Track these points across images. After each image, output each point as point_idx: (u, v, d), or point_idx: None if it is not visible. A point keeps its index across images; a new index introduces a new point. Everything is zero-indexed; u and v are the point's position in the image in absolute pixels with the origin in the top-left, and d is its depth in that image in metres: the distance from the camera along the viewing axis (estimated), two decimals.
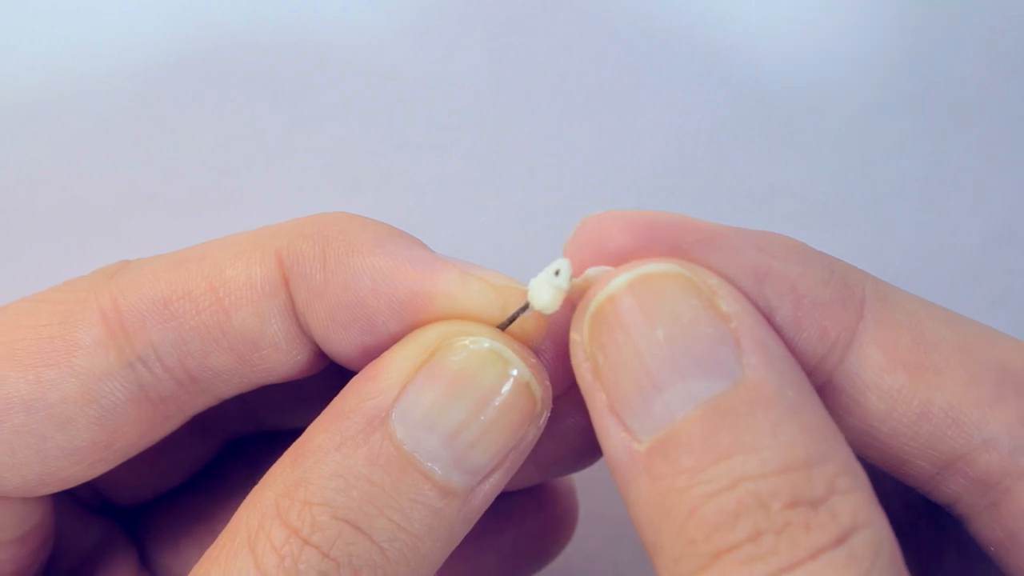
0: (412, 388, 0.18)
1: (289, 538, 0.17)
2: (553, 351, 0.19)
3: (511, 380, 0.18)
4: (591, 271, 0.18)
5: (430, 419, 0.18)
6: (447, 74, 0.28)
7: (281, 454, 0.18)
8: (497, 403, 0.18)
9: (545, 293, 0.18)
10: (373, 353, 0.19)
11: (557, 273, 0.18)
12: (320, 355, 0.20)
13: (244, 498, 0.18)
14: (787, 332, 0.18)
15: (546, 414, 0.18)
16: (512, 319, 0.19)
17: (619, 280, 0.17)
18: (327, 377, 0.20)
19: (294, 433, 0.19)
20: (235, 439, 0.25)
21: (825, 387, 0.18)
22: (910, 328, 0.18)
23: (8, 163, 0.28)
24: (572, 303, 0.18)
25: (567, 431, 0.22)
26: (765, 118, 0.28)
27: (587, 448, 0.22)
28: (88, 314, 0.19)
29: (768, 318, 0.18)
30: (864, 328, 0.18)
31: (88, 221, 0.28)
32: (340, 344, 0.19)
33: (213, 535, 0.18)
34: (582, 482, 0.25)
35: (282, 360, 0.20)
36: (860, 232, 0.28)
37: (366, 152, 0.29)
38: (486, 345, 0.18)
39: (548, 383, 0.19)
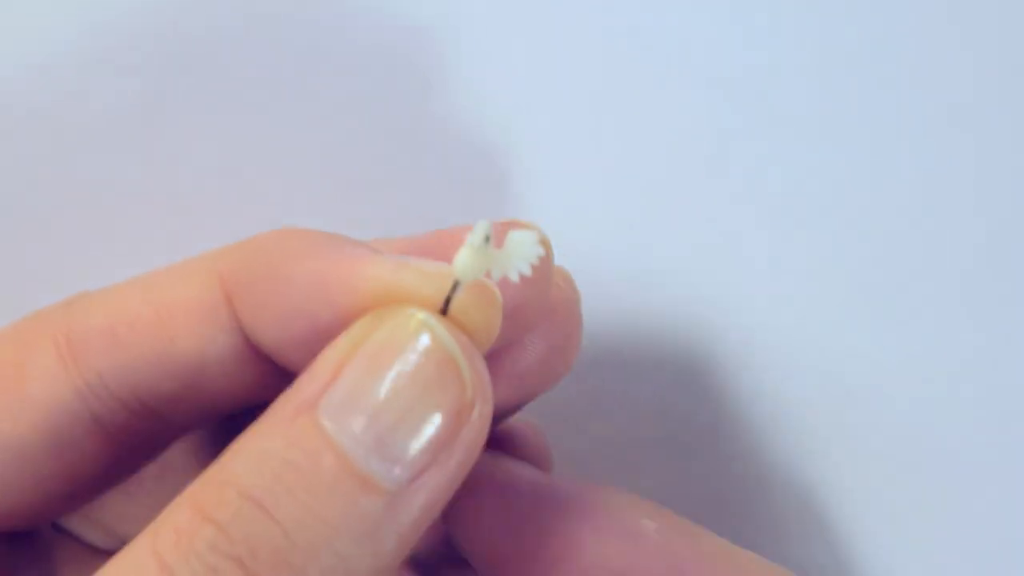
0: (342, 372, 0.17)
1: (192, 518, 0.16)
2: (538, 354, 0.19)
3: (433, 350, 0.17)
4: (513, 233, 0.17)
5: (352, 398, 0.17)
6: (447, 74, 0.28)
7: None
8: (418, 376, 0.17)
9: (460, 256, 0.17)
10: None
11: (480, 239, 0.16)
12: (276, 374, 0.19)
13: None
14: None
15: (480, 409, 0.17)
16: (447, 300, 0.17)
17: None
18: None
19: None
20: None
21: None
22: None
23: (8, 163, 0.28)
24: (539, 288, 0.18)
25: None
26: (765, 116, 0.28)
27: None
28: (42, 343, 0.19)
29: None
30: None
31: (88, 221, 0.28)
32: (294, 355, 0.19)
33: None
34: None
35: (232, 383, 0.19)
36: (861, 233, 0.28)
37: (366, 152, 0.29)
38: (411, 318, 0.17)
39: (483, 369, 0.17)
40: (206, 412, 0.20)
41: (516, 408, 0.23)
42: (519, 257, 0.17)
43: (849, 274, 0.28)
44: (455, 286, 0.17)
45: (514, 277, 0.17)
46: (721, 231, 0.28)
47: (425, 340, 0.17)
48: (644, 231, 0.28)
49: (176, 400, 0.19)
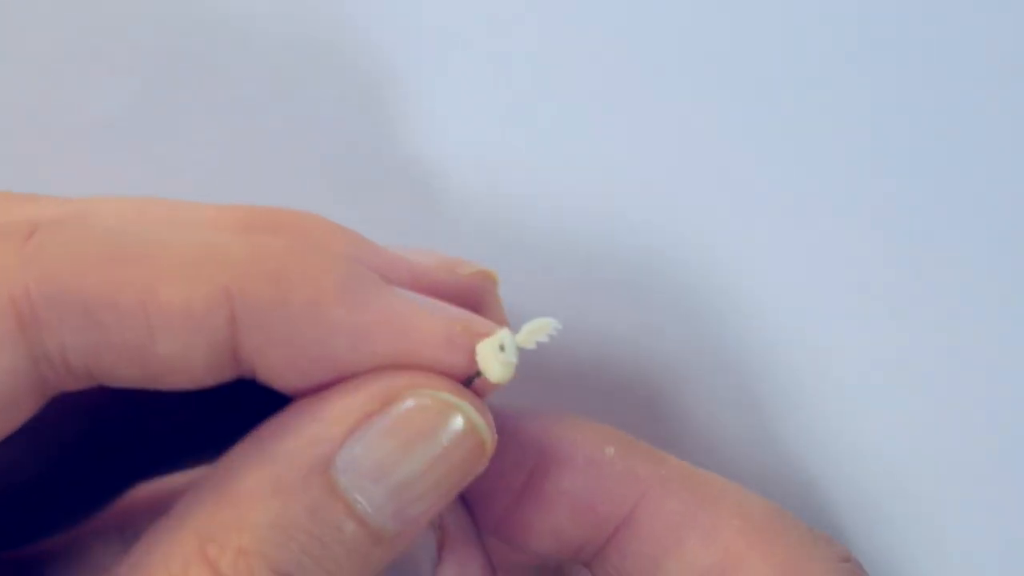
0: (361, 437, 0.18)
1: None
2: None
3: (468, 437, 0.18)
4: (529, 324, 0.19)
5: (379, 471, 0.18)
6: (447, 74, 0.28)
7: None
8: (451, 459, 0.18)
9: (495, 370, 0.19)
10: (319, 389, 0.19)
11: (503, 348, 0.19)
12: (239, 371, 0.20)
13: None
14: None
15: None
16: (468, 382, 0.19)
17: None
18: None
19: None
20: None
21: None
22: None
23: (8, 163, 0.28)
24: None
25: None
26: (764, 114, 0.28)
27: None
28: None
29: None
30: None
31: None
32: (292, 382, 0.19)
33: None
34: None
35: (191, 382, 0.19)
36: (860, 233, 0.28)
37: (367, 151, 0.29)
38: (446, 399, 0.18)
39: (496, 436, 0.19)
40: (138, 386, 0.19)
41: None
42: (536, 334, 0.19)
43: (850, 273, 0.28)
44: (478, 373, 0.19)
45: (532, 346, 0.19)
46: (722, 229, 0.28)
47: (460, 426, 0.18)
48: (644, 230, 0.28)
49: (128, 380, 0.19)
